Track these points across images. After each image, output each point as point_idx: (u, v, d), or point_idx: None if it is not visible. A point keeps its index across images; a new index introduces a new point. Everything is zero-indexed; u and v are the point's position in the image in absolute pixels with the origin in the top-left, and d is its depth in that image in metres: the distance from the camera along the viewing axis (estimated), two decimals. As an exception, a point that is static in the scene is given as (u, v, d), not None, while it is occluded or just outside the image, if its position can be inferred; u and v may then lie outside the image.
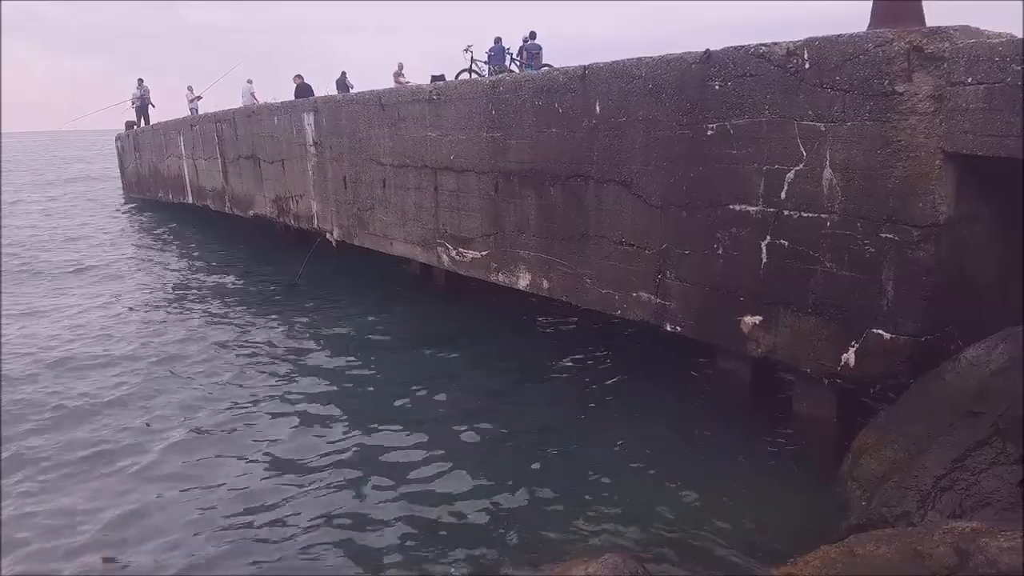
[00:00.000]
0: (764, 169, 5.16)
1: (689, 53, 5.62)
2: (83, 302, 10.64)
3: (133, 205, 23.62)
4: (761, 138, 5.14)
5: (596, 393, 6.51)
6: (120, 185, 26.88)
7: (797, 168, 4.96)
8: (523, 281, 7.60)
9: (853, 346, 4.81)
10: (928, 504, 3.37)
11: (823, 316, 4.96)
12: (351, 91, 17.35)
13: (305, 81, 17.83)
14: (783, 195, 5.07)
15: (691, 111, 5.60)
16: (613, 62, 6.30)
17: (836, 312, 4.88)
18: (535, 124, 7.10)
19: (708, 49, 5.46)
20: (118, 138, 26.03)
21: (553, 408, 6.19)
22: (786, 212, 5.07)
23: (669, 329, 6.10)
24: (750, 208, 5.30)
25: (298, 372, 7.37)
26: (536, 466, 5.19)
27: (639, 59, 6.05)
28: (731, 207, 5.42)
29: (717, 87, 5.38)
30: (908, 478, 3.53)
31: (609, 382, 6.74)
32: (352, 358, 7.74)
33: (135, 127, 24.30)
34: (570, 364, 7.28)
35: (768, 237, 5.22)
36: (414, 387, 6.78)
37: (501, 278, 7.93)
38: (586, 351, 7.69)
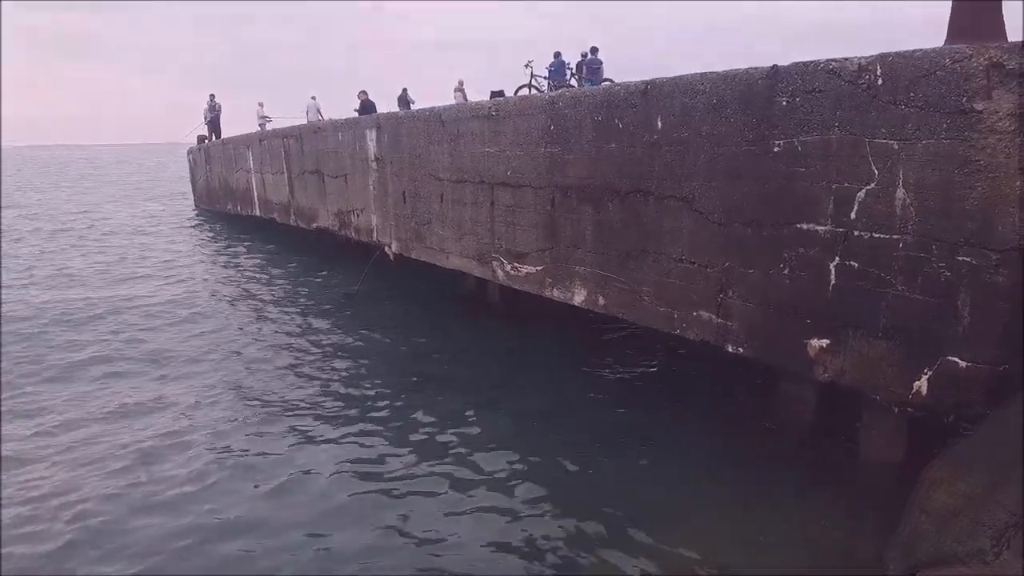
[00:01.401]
0: (833, 187, 5.05)
1: (755, 68, 5.57)
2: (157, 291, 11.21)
3: (204, 217, 24.64)
4: (830, 156, 5.04)
5: (652, 415, 6.45)
6: (192, 197, 28.15)
7: (868, 187, 4.84)
8: (578, 297, 7.61)
9: (926, 373, 4.64)
10: (1003, 542, 3.21)
11: (894, 341, 4.81)
12: (412, 107, 17.78)
13: (369, 98, 18.30)
14: (853, 215, 4.95)
15: (757, 127, 5.54)
16: (676, 77, 6.28)
17: (908, 337, 4.72)
18: (594, 140, 7.13)
19: (775, 64, 5.40)
20: (190, 152, 27.35)
21: (606, 431, 6.15)
22: (856, 232, 4.95)
23: (731, 350, 6.00)
24: (818, 227, 5.19)
25: (354, 385, 7.55)
26: (585, 492, 5.14)
27: (703, 74, 6.02)
28: (798, 226, 5.33)
29: (784, 103, 5.31)
30: (983, 513, 3.38)
31: (666, 404, 6.67)
32: (407, 375, 7.88)
33: (206, 141, 25.40)
34: (625, 384, 7.24)
35: (837, 258, 5.10)
36: (465, 404, 6.87)
37: (556, 293, 7.95)
38: (641, 371, 7.62)
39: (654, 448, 5.81)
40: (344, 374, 7.85)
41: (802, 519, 4.60)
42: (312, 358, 8.46)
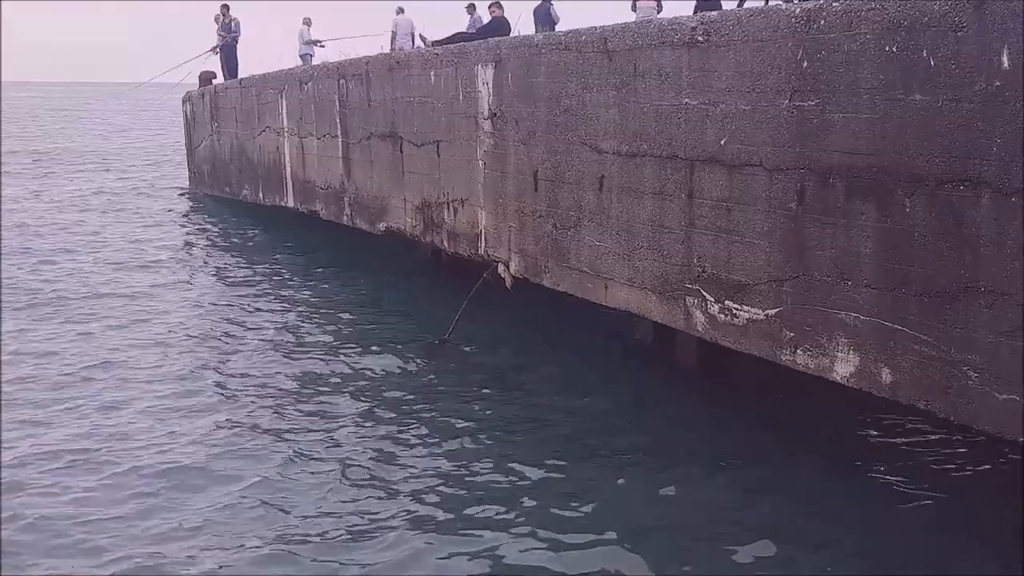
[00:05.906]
0: None
1: None
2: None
3: (204, 210, 26.22)
4: None
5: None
6: (186, 171, 30.06)
7: None
8: (842, 366, 7.48)
9: None
10: None
11: None
12: (556, 27, 18.07)
13: (504, 15, 18.36)
14: None
15: None
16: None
17: None
18: (881, 86, 7.03)
19: None
20: (187, 100, 29.11)
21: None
22: None
23: None
24: None
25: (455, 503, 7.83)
26: None
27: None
28: None
29: None
30: None
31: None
32: (544, 484, 8.11)
33: (213, 82, 26.83)
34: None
35: None
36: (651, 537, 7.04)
37: (800, 358, 7.85)
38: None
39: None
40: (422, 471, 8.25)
41: None
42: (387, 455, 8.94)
